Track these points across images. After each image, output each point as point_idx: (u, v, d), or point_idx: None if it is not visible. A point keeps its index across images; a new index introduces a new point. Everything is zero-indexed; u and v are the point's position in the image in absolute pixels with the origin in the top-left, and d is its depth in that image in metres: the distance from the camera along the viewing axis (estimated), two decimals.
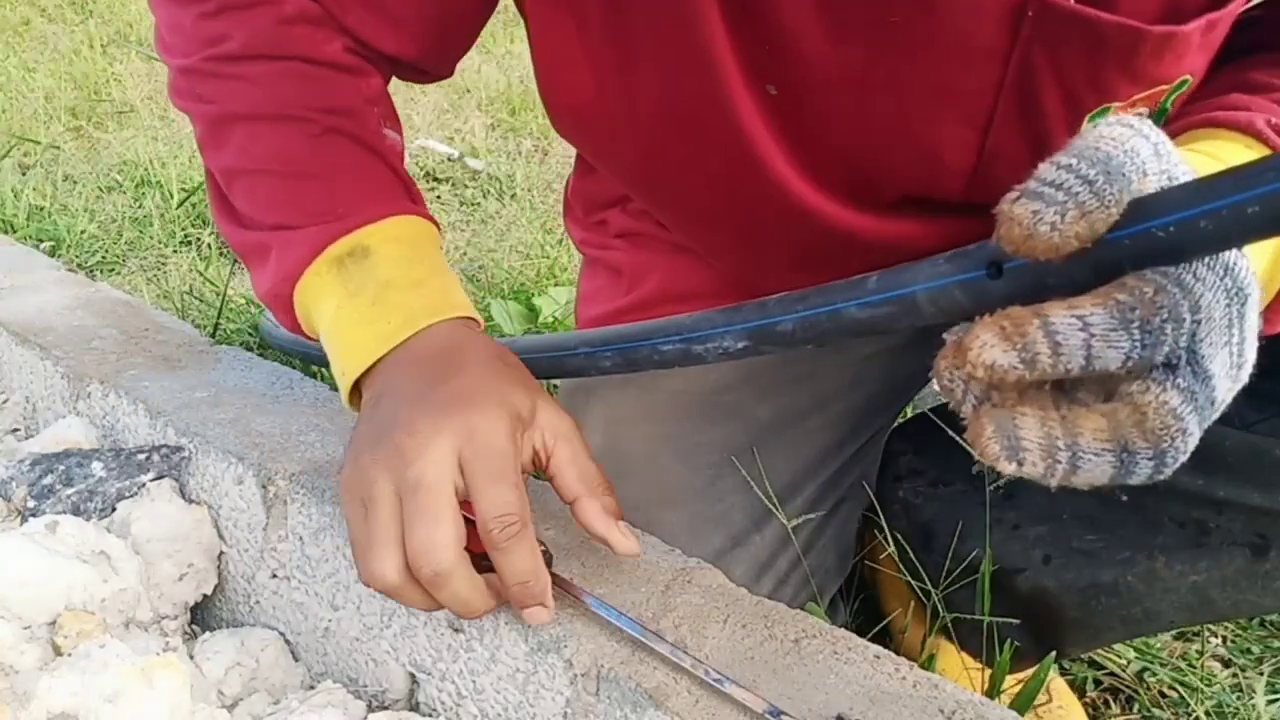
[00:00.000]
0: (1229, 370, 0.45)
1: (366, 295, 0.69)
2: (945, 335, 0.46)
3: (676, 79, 0.69)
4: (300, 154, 0.74)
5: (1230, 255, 0.44)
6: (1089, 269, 0.44)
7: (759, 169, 0.72)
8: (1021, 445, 0.44)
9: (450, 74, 0.84)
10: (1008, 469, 0.45)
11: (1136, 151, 0.44)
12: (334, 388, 0.93)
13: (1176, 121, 0.64)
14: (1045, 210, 0.42)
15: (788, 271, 0.85)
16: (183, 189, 2.19)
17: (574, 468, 0.64)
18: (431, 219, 0.76)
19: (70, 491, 0.81)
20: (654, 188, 0.82)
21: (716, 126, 0.71)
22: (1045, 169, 0.44)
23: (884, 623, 1.03)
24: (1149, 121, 0.46)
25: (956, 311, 0.48)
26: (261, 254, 0.76)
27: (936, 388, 0.47)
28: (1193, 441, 0.45)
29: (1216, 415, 0.46)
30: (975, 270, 0.48)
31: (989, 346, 0.42)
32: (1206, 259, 0.43)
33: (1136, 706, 1.03)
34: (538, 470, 0.66)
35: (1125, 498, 0.50)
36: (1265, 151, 0.59)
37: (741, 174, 0.73)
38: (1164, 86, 0.67)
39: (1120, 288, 0.43)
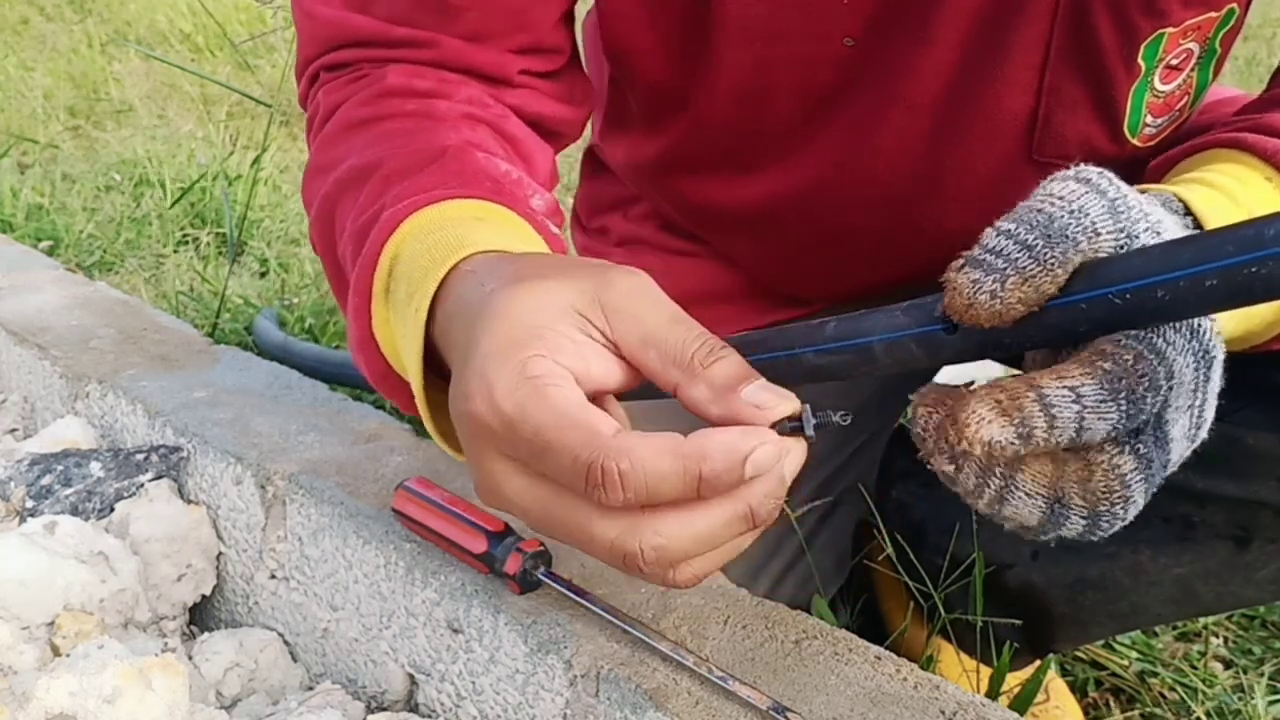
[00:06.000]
0: (1188, 433, 0.45)
1: (404, 303, 0.56)
2: (912, 397, 0.46)
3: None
4: (345, 184, 0.65)
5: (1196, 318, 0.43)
6: (1044, 330, 0.44)
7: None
8: (967, 456, 0.44)
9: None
10: (943, 467, 0.45)
11: (1085, 211, 0.44)
12: (332, 388, 0.93)
13: (1207, 134, 0.64)
14: (984, 279, 0.43)
15: (811, 264, 0.85)
16: (180, 187, 2.19)
17: (649, 350, 0.46)
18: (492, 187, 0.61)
19: (69, 492, 0.81)
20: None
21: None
22: (988, 235, 0.44)
23: (894, 634, 1.03)
24: (1111, 175, 0.46)
25: (911, 363, 0.48)
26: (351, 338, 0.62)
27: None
28: (1135, 509, 0.45)
29: (1165, 477, 0.46)
30: (931, 324, 0.48)
31: (986, 423, 0.42)
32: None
33: (1137, 707, 1.03)
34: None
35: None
36: None
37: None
38: (1213, 14, 0.67)
39: (1102, 355, 0.42)
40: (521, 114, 0.73)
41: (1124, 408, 0.42)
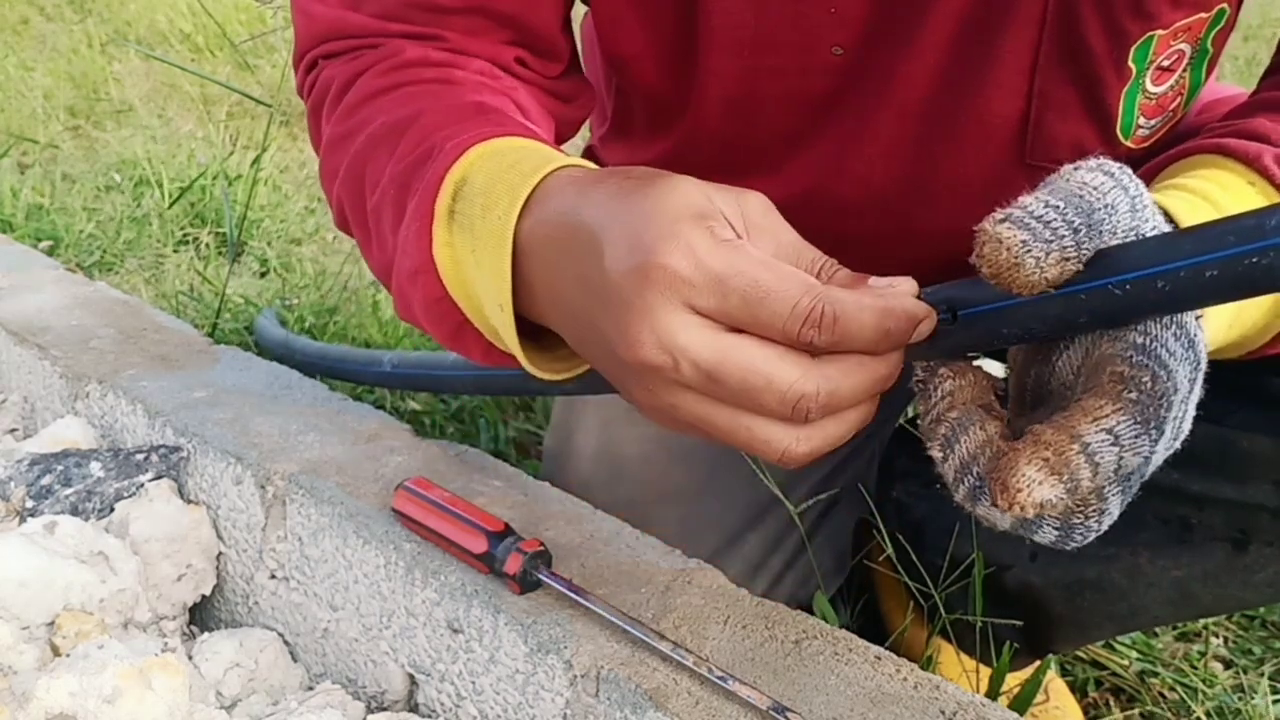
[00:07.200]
0: (1168, 443, 0.45)
1: (478, 217, 0.56)
2: (914, 383, 0.48)
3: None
4: (391, 126, 0.66)
5: (1191, 326, 0.43)
6: (1044, 321, 0.44)
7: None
8: (955, 451, 0.46)
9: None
10: (934, 452, 0.47)
11: (1115, 208, 0.44)
12: (332, 388, 0.93)
13: (1192, 140, 0.64)
14: (1034, 245, 0.42)
15: None
16: (179, 187, 2.19)
17: (769, 273, 0.47)
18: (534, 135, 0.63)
19: (69, 492, 0.81)
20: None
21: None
22: (1032, 202, 0.43)
23: (894, 634, 1.03)
24: (1129, 171, 0.46)
25: (911, 352, 0.48)
26: (394, 275, 0.63)
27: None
28: (1109, 520, 0.45)
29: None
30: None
31: (1038, 484, 0.42)
32: (1173, 329, 0.43)
33: (1137, 706, 1.03)
34: None
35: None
36: (1269, 190, 0.58)
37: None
38: (1204, 15, 0.66)
39: (1122, 382, 0.42)
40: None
41: (1153, 436, 0.42)
